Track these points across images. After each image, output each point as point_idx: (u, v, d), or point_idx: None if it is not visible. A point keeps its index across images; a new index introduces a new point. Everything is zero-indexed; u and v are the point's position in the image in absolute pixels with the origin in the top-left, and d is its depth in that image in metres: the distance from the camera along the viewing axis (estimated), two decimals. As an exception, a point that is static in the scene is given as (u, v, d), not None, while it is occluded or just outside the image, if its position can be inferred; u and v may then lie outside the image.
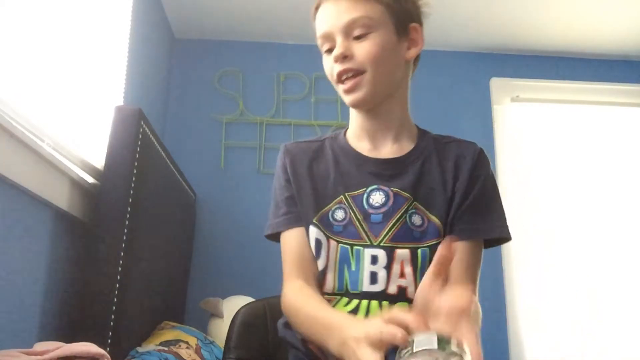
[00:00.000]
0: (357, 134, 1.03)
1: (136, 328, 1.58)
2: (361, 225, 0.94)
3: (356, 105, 0.97)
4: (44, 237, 1.27)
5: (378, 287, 0.90)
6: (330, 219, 0.95)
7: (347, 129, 1.06)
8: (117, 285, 1.35)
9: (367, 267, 0.91)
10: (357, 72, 0.92)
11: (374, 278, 0.91)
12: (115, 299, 1.34)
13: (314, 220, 0.96)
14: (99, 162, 1.51)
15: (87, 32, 1.62)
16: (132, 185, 1.43)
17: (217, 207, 2.50)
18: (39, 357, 0.86)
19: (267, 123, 2.60)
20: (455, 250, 0.88)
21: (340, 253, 0.94)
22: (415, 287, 0.89)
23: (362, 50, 0.92)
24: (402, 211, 0.94)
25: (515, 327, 2.46)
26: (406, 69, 0.99)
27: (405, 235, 0.92)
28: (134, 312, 1.52)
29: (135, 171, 1.45)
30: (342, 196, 0.97)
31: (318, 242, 0.95)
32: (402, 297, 0.90)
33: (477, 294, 0.94)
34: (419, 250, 0.92)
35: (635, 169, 2.69)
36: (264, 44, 2.71)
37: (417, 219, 0.94)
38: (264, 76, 2.67)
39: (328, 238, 0.94)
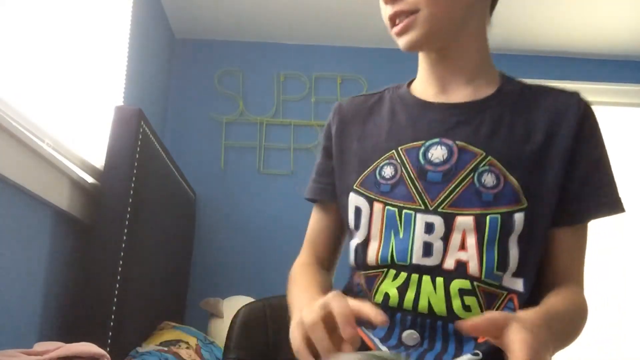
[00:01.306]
0: (423, 79, 0.88)
1: (136, 328, 1.58)
2: (414, 184, 0.79)
3: (410, 48, 0.80)
4: (44, 237, 1.27)
5: (432, 261, 0.76)
6: (377, 177, 0.81)
7: (415, 78, 0.91)
8: (117, 285, 1.35)
9: (419, 236, 0.77)
10: (410, 13, 0.78)
11: (427, 249, 0.76)
12: (115, 299, 1.34)
13: (355, 186, 0.83)
14: (99, 162, 1.51)
15: (87, 32, 1.62)
16: (132, 185, 1.43)
17: (217, 207, 2.50)
18: (39, 357, 0.86)
19: (267, 123, 2.60)
20: (557, 238, 0.79)
21: (387, 217, 0.79)
22: (479, 262, 0.75)
23: None
24: (470, 169, 0.77)
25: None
26: (476, 1, 0.85)
27: (471, 198, 0.76)
28: (134, 312, 1.52)
29: (135, 171, 1.45)
30: (393, 151, 0.82)
31: (357, 211, 0.82)
32: (461, 273, 0.75)
33: (583, 289, 0.82)
34: (488, 218, 0.75)
35: (636, 169, 2.70)
36: (264, 44, 2.71)
37: (489, 179, 0.76)
38: (264, 76, 2.67)
39: (372, 201, 0.81)
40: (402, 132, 0.83)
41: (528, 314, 0.64)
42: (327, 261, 0.92)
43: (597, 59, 2.81)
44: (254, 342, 1.08)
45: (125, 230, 1.39)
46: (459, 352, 0.73)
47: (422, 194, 0.78)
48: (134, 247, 1.45)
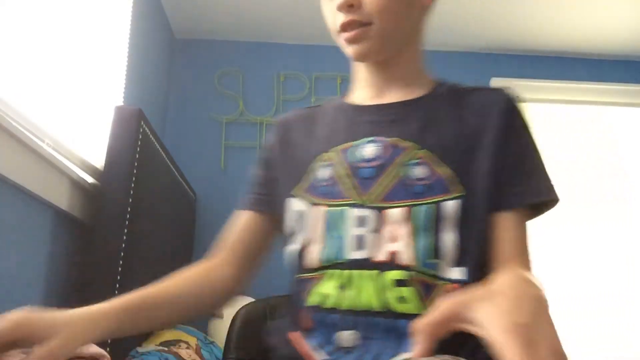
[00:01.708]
0: (359, 87, 0.91)
1: (136, 328, 1.58)
2: (348, 181, 0.80)
3: (359, 58, 0.84)
4: (44, 237, 1.27)
5: (364, 254, 0.75)
6: (316, 180, 0.83)
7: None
8: (117, 285, 1.35)
9: (351, 231, 0.77)
10: (362, 24, 0.80)
11: (359, 243, 0.76)
12: (115, 299, 1.34)
13: (295, 192, 0.85)
14: (99, 162, 1.51)
15: (87, 32, 1.62)
16: (132, 185, 1.43)
17: (217, 207, 2.50)
18: (39, 357, 0.86)
19: (267, 123, 2.60)
20: (496, 224, 0.78)
21: (327, 218, 0.80)
22: (412, 252, 0.74)
23: (370, 4, 0.79)
24: (400, 163, 0.78)
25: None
26: (421, 15, 0.87)
27: (401, 191, 0.77)
28: (134, 312, 1.52)
29: (135, 171, 1.45)
30: (330, 152, 0.84)
31: (299, 215, 0.83)
32: (393, 264, 0.74)
33: (531, 270, 0.77)
34: (418, 208, 0.75)
35: (636, 169, 2.70)
36: (264, 44, 2.71)
37: (419, 171, 0.77)
38: (264, 76, 2.67)
39: (312, 204, 0.81)
40: (339, 136, 0.85)
41: (492, 284, 0.55)
42: (241, 267, 0.90)
43: (597, 59, 2.81)
44: (254, 342, 1.08)
45: (125, 230, 1.39)
46: (399, 350, 0.71)
47: (356, 190, 0.79)
48: (134, 247, 1.45)
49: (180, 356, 1.50)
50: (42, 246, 1.26)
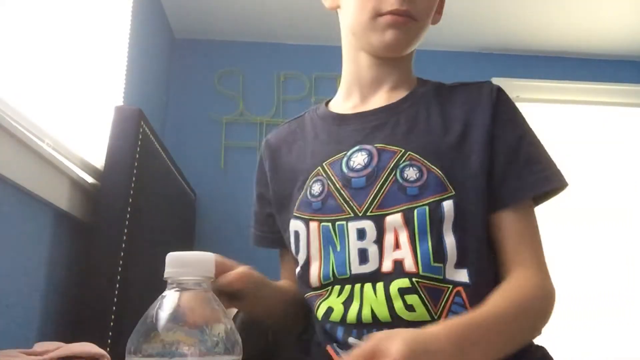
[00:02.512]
0: (347, 90, 0.90)
1: (136, 328, 1.58)
2: (341, 194, 0.78)
3: (394, 45, 0.82)
4: (44, 237, 1.27)
5: (370, 267, 0.74)
6: (308, 197, 0.81)
7: (331, 98, 0.94)
8: (117, 285, 1.35)
9: (353, 245, 0.75)
10: (412, 18, 0.80)
11: (363, 256, 0.75)
12: (115, 299, 1.34)
13: (294, 213, 0.83)
14: (99, 162, 1.51)
15: (87, 32, 1.62)
16: (132, 185, 1.43)
17: (217, 207, 2.50)
18: (39, 357, 0.86)
19: (267, 123, 2.60)
20: (499, 224, 0.76)
21: (323, 234, 0.78)
22: (414, 256, 0.73)
23: (423, 1, 0.81)
24: (391, 168, 0.77)
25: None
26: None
27: (396, 196, 0.75)
28: (134, 312, 1.52)
29: (135, 171, 1.45)
30: (319, 167, 0.82)
31: (296, 235, 0.82)
32: (399, 272, 0.73)
33: (546, 274, 0.77)
34: (415, 211, 0.73)
35: (636, 169, 2.70)
36: (264, 44, 2.71)
37: (411, 173, 0.75)
38: (264, 76, 2.67)
39: (308, 221, 0.80)
40: (325, 149, 0.84)
41: (425, 333, 0.58)
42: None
43: (597, 59, 2.81)
44: (254, 342, 1.08)
45: (125, 230, 1.39)
46: None
47: (350, 202, 0.77)
48: (134, 247, 1.45)
49: (180, 356, 1.50)
50: (42, 246, 1.26)
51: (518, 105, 0.86)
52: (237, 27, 2.61)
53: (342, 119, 0.87)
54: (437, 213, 0.74)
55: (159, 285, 0.49)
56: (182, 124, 2.60)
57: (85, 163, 1.48)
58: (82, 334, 1.22)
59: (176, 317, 0.46)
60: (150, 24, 2.27)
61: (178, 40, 2.70)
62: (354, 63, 0.89)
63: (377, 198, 0.76)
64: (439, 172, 0.75)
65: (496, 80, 2.72)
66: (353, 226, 0.76)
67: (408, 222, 0.74)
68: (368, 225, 0.75)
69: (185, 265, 0.48)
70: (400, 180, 0.76)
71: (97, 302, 1.32)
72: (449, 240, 0.74)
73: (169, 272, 0.48)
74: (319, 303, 0.80)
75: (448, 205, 0.74)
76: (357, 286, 0.75)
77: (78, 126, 1.53)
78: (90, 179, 1.46)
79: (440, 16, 0.90)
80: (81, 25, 1.58)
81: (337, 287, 0.77)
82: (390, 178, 0.76)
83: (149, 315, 0.47)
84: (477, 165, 0.77)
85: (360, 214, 0.76)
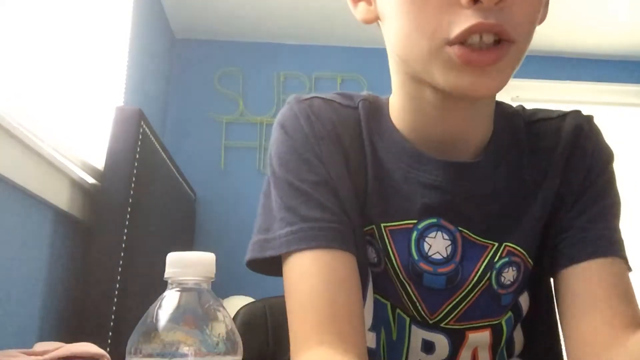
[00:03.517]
0: (423, 116, 0.58)
1: (136, 328, 1.58)
2: (404, 287, 0.56)
3: (476, 95, 0.51)
4: (44, 237, 1.27)
5: None
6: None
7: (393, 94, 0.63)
8: (117, 285, 1.35)
9: (415, 354, 0.58)
10: (507, 39, 0.49)
11: None
12: (115, 299, 1.34)
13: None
14: (99, 163, 1.51)
15: (87, 33, 1.62)
16: (132, 185, 1.43)
17: (217, 207, 2.50)
18: (39, 357, 0.86)
19: (267, 123, 2.60)
20: (573, 281, 0.55)
21: (376, 307, 0.59)
22: None
23: (522, 7, 0.49)
24: (484, 268, 0.56)
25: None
26: None
27: (487, 307, 0.56)
28: (134, 312, 1.52)
29: (135, 171, 1.45)
30: (373, 226, 0.57)
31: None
32: None
33: None
34: (504, 322, 0.57)
35: (636, 169, 2.70)
36: (264, 44, 2.71)
37: (510, 274, 0.56)
38: (264, 76, 2.68)
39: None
40: (385, 197, 0.57)
41: None
42: (358, 346, 0.53)
43: (597, 59, 2.81)
44: (254, 342, 1.08)
45: (125, 230, 1.39)
46: None
47: (417, 303, 0.56)
48: (134, 247, 1.45)
49: (180, 356, 1.50)
50: (42, 246, 1.26)
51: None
52: (237, 27, 2.61)
53: (419, 159, 0.57)
54: (517, 315, 0.59)
55: (159, 286, 0.49)
56: (182, 124, 2.60)
57: (85, 163, 1.48)
58: (82, 334, 1.22)
59: (176, 317, 0.46)
60: (150, 24, 2.27)
61: (178, 40, 2.70)
62: (409, 96, 0.58)
63: (460, 308, 0.56)
64: (531, 262, 0.57)
65: (496, 80, 2.74)
66: (419, 334, 0.57)
67: (496, 339, 0.57)
68: (440, 340, 0.57)
69: (186, 265, 0.48)
70: (496, 286, 0.56)
71: (97, 302, 1.32)
72: (518, 338, 0.62)
73: (169, 272, 0.49)
74: None
75: (524, 299, 0.59)
76: None
77: (78, 127, 1.54)
78: (90, 179, 1.46)
79: (547, 11, 0.58)
80: (81, 26, 1.58)
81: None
82: (482, 283, 0.56)
83: (149, 315, 0.47)
84: (561, 213, 0.60)
85: (431, 322, 0.57)
